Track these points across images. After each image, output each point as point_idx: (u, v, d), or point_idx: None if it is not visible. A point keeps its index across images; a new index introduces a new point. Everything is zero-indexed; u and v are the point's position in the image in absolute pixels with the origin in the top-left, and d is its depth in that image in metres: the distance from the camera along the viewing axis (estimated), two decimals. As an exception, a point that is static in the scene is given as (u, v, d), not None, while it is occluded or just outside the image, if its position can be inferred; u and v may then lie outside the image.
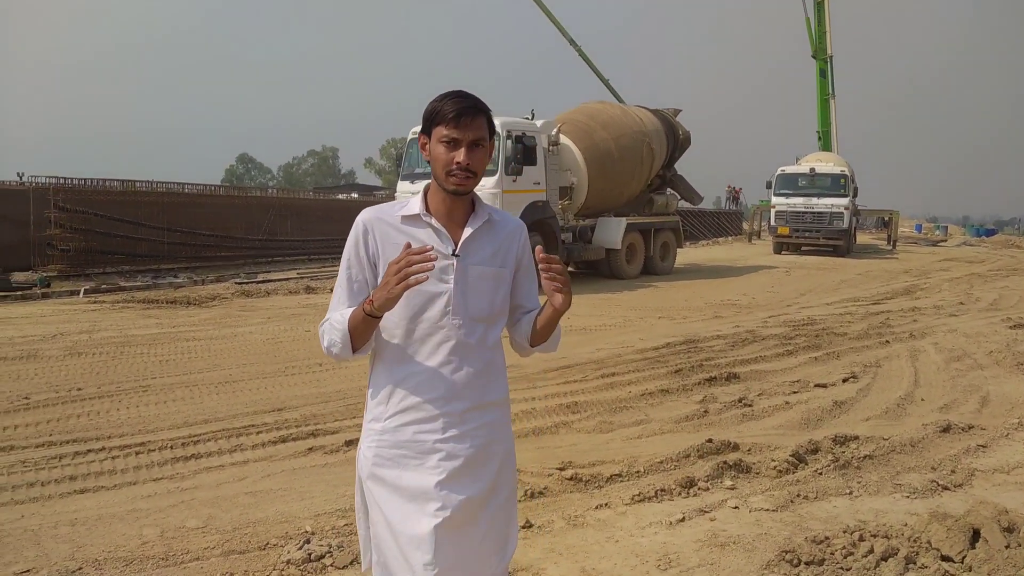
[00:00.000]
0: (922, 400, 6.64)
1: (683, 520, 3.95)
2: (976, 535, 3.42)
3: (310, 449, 5.21)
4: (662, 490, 4.35)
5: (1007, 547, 3.31)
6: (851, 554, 3.46)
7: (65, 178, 16.13)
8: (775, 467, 4.69)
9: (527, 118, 15.03)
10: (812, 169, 25.65)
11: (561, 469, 4.71)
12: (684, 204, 22.79)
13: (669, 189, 19.89)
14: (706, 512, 4.06)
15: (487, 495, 2.02)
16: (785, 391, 6.88)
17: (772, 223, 26.05)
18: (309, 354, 8.14)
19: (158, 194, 18.21)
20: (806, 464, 4.81)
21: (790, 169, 26.18)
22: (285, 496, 4.39)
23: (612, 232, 16.72)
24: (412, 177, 14.26)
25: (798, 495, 4.30)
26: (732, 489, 4.43)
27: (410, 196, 2.15)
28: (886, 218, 31.85)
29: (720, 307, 12.78)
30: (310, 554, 3.54)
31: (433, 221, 2.02)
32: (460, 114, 1.93)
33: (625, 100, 21.96)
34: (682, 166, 20.35)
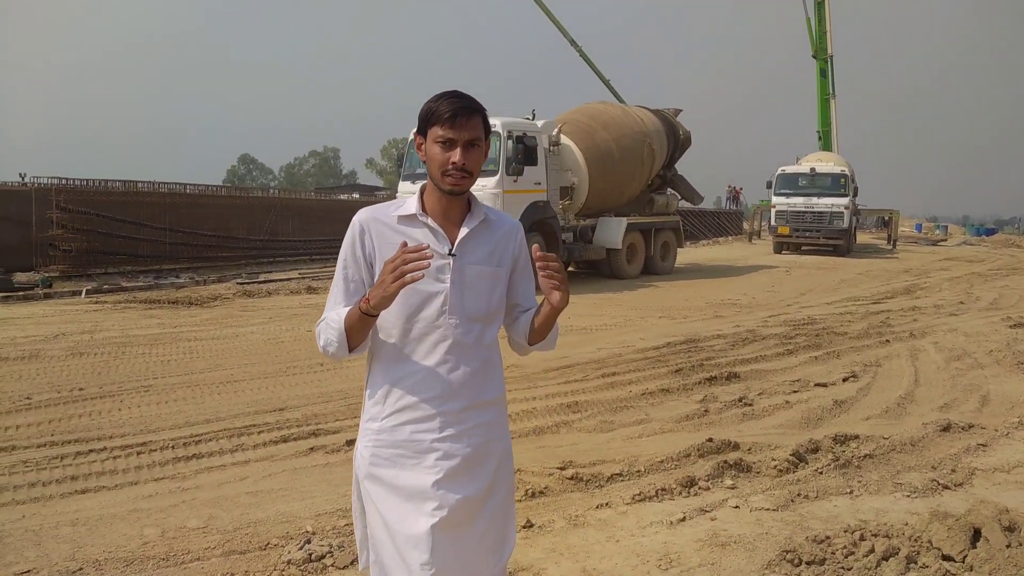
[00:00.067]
0: (915, 403, 6.64)
1: (684, 520, 3.95)
2: (977, 534, 3.42)
3: (311, 449, 5.22)
4: (663, 489, 4.35)
5: (1008, 546, 3.31)
6: (852, 554, 3.46)
7: (67, 179, 16.13)
8: (776, 466, 4.69)
9: (528, 118, 15.02)
10: (812, 169, 25.66)
11: (562, 469, 4.71)
12: (684, 204, 22.79)
13: (670, 189, 19.89)
14: (707, 512, 4.06)
15: (485, 494, 2.03)
16: (785, 390, 6.88)
17: (772, 223, 26.06)
18: (310, 354, 8.15)
19: (160, 194, 18.21)
20: (807, 463, 4.82)
21: (790, 169, 26.18)
22: (286, 496, 4.40)
23: (613, 232, 16.72)
24: (413, 177, 14.26)
25: (799, 494, 4.30)
26: (733, 488, 4.43)
27: (408, 196, 2.16)
28: (886, 218, 31.84)
29: (720, 307, 12.78)
30: (311, 554, 3.55)
31: (429, 221, 2.03)
32: (456, 114, 1.93)
33: (626, 100, 21.95)
34: (682, 166, 20.37)
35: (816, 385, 7.06)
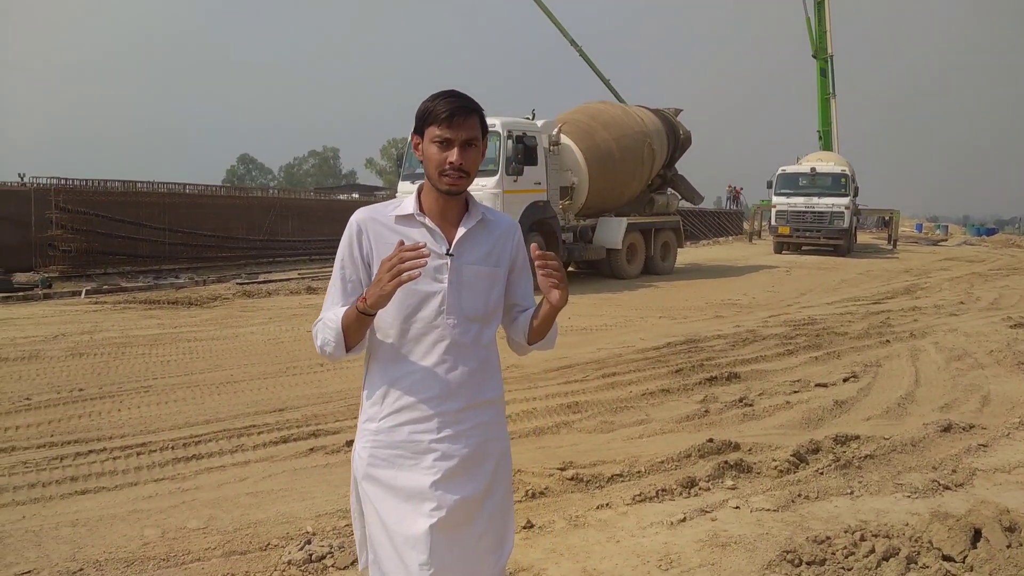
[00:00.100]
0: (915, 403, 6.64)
1: (684, 520, 3.95)
2: (977, 535, 3.42)
3: (311, 449, 5.21)
4: (663, 490, 4.35)
5: (1008, 547, 3.31)
6: (852, 554, 3.46)
7: (66, 179, 16.14)
8: (776, 467, 4.69)
9: (528, 118, 15.02)
10: (813, 169, 25.66)
11: (562, 469, 4.71)
12: (685, 204, 22.79)
13: (670, 189, 19.89)
14: (707, 512, 4.06)
15: (483, 495, 2.02)
16: (786, 391, 6.88)
17: (773, 223, 26.06)
18: (310, 354, 8.14)
19: (159, 195, 18.21)
20: (807, 464, 4.81)
21: (791, 169, 26.18)
22: (286, 496, 4.39)
23: (613, 232, 16.72)
24: (413, 177, 14.25)
25: (799, 495, 4.30)
26: (733, 489, 4.43)
27: (406, 196, 2.16)
28: (886, 217, 31.85)
29: (721, 307, 12.78)
30: (311, 555, 3.54)
31: (427, 221, 2.02)
32: (453, 114, 1.93)
33: (626, 100, 21.95)
34: (683, 166, 20.37)
35: (817, 385, 7.06)
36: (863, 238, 32.29)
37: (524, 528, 3.84)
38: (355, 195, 35.57)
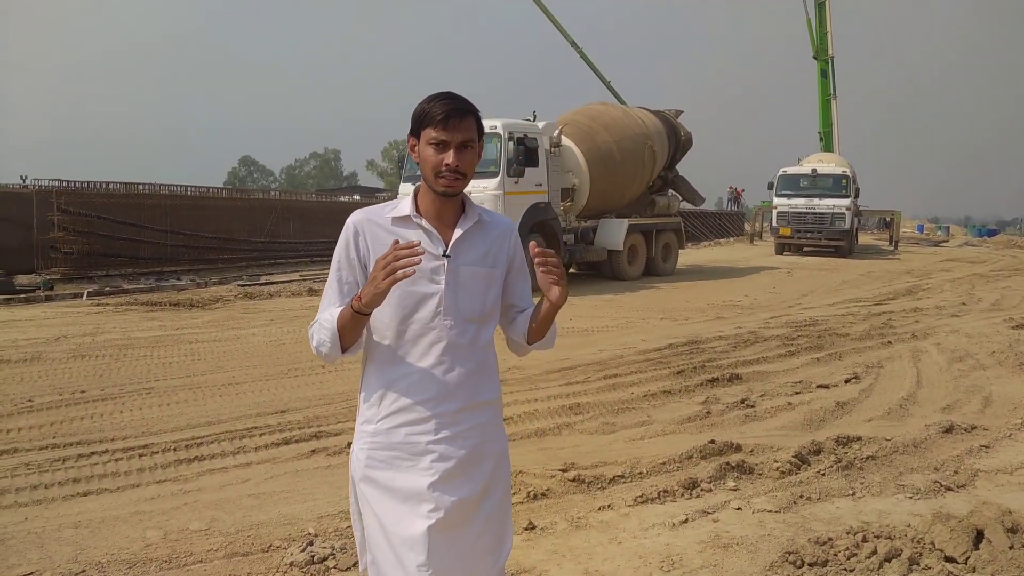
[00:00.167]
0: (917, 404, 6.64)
1: (686, 521, 3.95)
2: (980, 536, 3.42)
3: (313, 451, 5.22)
4: (665, 491, 4.35)
5: (1011, 548, 3.31)
6: (854, 555, 3.46)
7: (68, 181, 16.17)
8: (778, 468, 4.69)
9: (529, 120, 15.04)
10: (814, 170, 25.64)
11: (564, 471, 4.71)
12: (686, 205, 22.79)
13: (671, 190, 19.88)
14: (709, 513, 4.06)
15: (481, 496, 2.02)
16: (787, 392, 6.88)
17: (774, 224, 26.04)
18: (312, 356, 8.13)
19: (161, 196, 18.24)
20: (809, 465, 4.81)
21: (792, 170, 26.17)
22: (288, 498, 4.40)
23: (614, 233, 16.73)
24: (414, 179, 14.27)
25: (801, 496, 4.29)
26: (735, 490, 4.43)
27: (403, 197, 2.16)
28: (888, 219, 31.84)
29: (722, 308, 12.78)
30: (313, 556, 3.55)
31: (423, 222, 2.02)
32: (448, 116, 1.93)
33: (627, 101, 21.97)
34: (684, 167, 20.37)
35: (818, 387, 7.05)
36: (864, 239, 32.26)
37: (526, 529, 3.84)
38: (356, 197, 35.60)
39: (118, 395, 6.53)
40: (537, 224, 14.32)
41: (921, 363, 8.12)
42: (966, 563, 3.32)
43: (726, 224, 38.04)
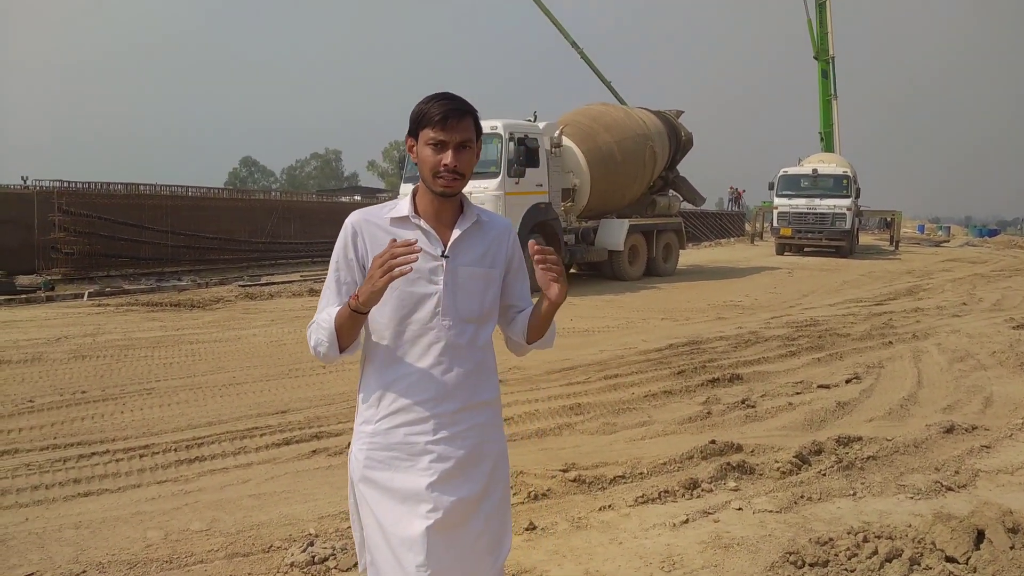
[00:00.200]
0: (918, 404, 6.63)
1: (687, 522, 3.95)
2: (980, 536, 3.42)
3: (314, 451, 5.22)
4: (665, 492, 4.35)
5: (1012, 548, 3.30)
6: (855, 555, 3.46)
7: (69, 181, 16.18)
8: (779, 468, 4.69)
9: (530, 120, 15.04)
10: (814, 170, 25.64)
11: (564, 471, 4.71)
12: (686, 205, 22.80)
13: (671, 190, 19.89)
14: (710, 514, 4.06)
15: (480, 496, 2.02)
16: (788, 392, 6.87)
17: (774, 224, 26.03)
18: (313, 357, 8.11)
19: (162, 197, 18.25)
20: (810, 465, 4.81)
21: (792, 170, 26.17)
22: (289, 498, 4.40)
23: (615, 234, 16.73)
24: (415, 180, 14.16)
25: (802, 496, 4.29)
26: (736, 490, 4.43)
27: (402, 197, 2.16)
28: (888, 219, 31.83)
29: (723, 308, 12.77)
30: (314, 557, 3.55)
31: (422, 223, 2.02)
32: (446, 116, 1.93)
33: (627, 102, 21.98)
34: (684, 167, 20.37)
35: (819, 387, 7.05)
36: (865, 239, 32.26)
37: (526, 530, 3.84)
38: (357, 197, 35.61)
39: (119, 396, 6.54)
40: (538, 224, 14.32)
41: (922, 363, 8.12)
42: (967, 563, 3.31)
43: (727, 224, 38.03)
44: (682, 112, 20.20)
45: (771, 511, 4.09)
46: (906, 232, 36.00)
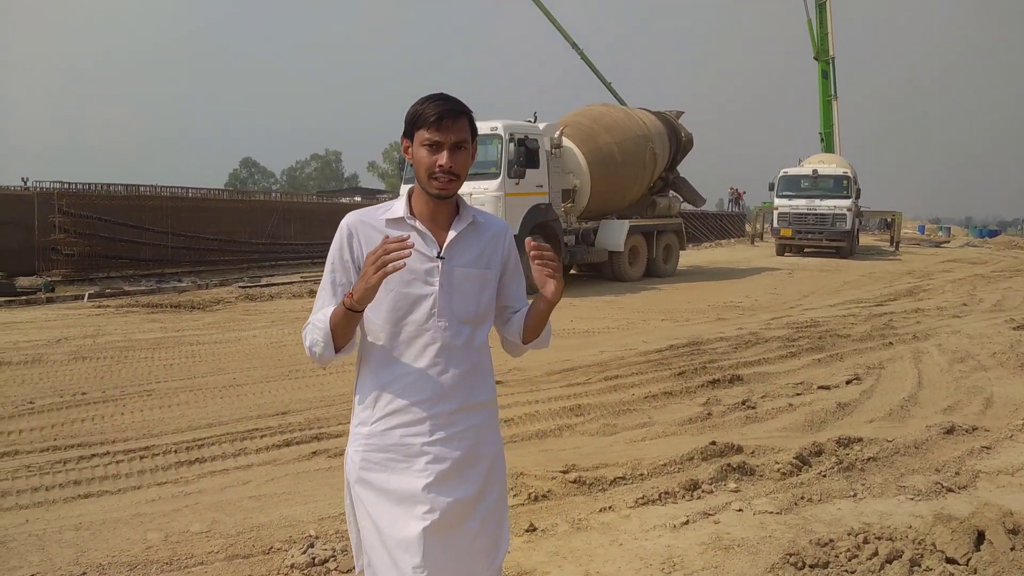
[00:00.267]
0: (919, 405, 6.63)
1: (687, 523, 3.95)
2: (981, 537, 3.41)
3: (314, 453, 5.22)
4: (666, 493, 4.35)
5: (1012, 549, 3.30)
6: (855, 557, 3.45)
7: (69, 183, 16.17)
8: (779, 469, 4.69)
9: (530, 121, 15.05)
10: (815, 171, 25.64)
11: (564, 472, 4.70)
12: (687, 206, 22.78)
13: (672, 191, 19.89)
14: (710, 515, 4.06)
15: (476, 497, 2.02)
16: (788, 393, 6.87)
17: (775, 225, 26.04)
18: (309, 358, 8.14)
19: (162, 198, 18.25)
20: (810, 466, 4.81)
21: (793, 171, 26.17)
22: (289, 500, 4.40)
23: (615, 234, 16.73)
24: (415, 181, 14.27)
25: (802, 497, 4.29)
26: (736, 492, 4.43)
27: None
28: (889, 219, 31.84)
29: (723, 309, 12.77)
30: (314, 558, 3.55)
31: (417, 224, 2.03)
32: (441, 117, 1.93)
33: (627, 102, 21.99)
34: (684, 168, 20.37)
35: (819, 388, 7.05)
36: (865, 240, 32.27)
37: (527, 531, 3.84)
38: (357, 198, 35.66)
39: (119, 397, 6.54)
40: (538, 225, 14.33)
41: (922, 364, 8.12)
42: (967, 564, 3.31)
43: (727, 225, 38.03)
44: (682, 113, 20.21)
45: (771, 512, 4.09)
46: (906, 233, 36.01)
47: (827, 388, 7.04)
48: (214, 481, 4.72)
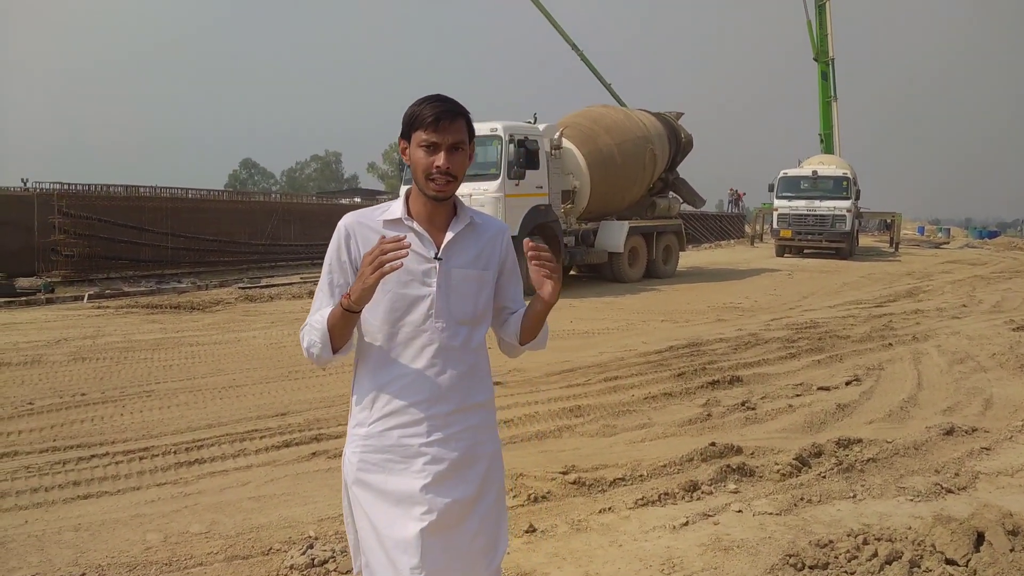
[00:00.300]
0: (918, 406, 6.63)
1: (687, 524, 3.95)
2: (980, 538, 3.41)
3: (313, 454, 5.22)
4: (665, 494, 4.35)
5: (1012, 550, 3.30)
6: (855, 558, 3.45)
7: (69, 184, 16.19)
8: (778, 470, 4.69)
9: (530, 122, 15.06)
10: (814, 172, 25.64)
11: (564, 473, 4.70)
12: (686, 207, 22.80)
13: (671, 192, 19.91)
14: (710, 516, 4.06)
15: (474, 497, 2.02)
16: (788, 394, 6.87)
17: (774, 226, 26.04)
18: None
19: (162, 199, 18.26)
20: (809, 467, 4.81)
21: (792, 172, 26.18)
22: (288, 501, 4.40)
23: (614, 236, 16.74)
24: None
25: (802, 498, 4.29)
26: (735, 493, 4.42)
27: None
28: (888, 220, 31.85)
29: (723, 310, 12.77)
30: (313, 559, 3.54)
31: (415, 225, 2.03)
32: (439, 118, 1.93)
33: (627, 103, 22.00)
34: (684, 169, 20.39)
35: (819, 389, 7.05)
36: (865, 241, 32.27)
37: (526, 532, 3.84)
38: (357, 199, 35.67)
39: (118, 398, 6.54)
40: (538, 226, 14.33)
41: (922, 365, 8.12)
42: (967, 566, 3.31)
43: (727, 226, 38.03)
44: (682, 114, 20.22)
45: (771, 513, 4.09)
46: (906, 234, 36.00)
47: (827, 389, 7.04)
48: (213, 482, 4.71)
